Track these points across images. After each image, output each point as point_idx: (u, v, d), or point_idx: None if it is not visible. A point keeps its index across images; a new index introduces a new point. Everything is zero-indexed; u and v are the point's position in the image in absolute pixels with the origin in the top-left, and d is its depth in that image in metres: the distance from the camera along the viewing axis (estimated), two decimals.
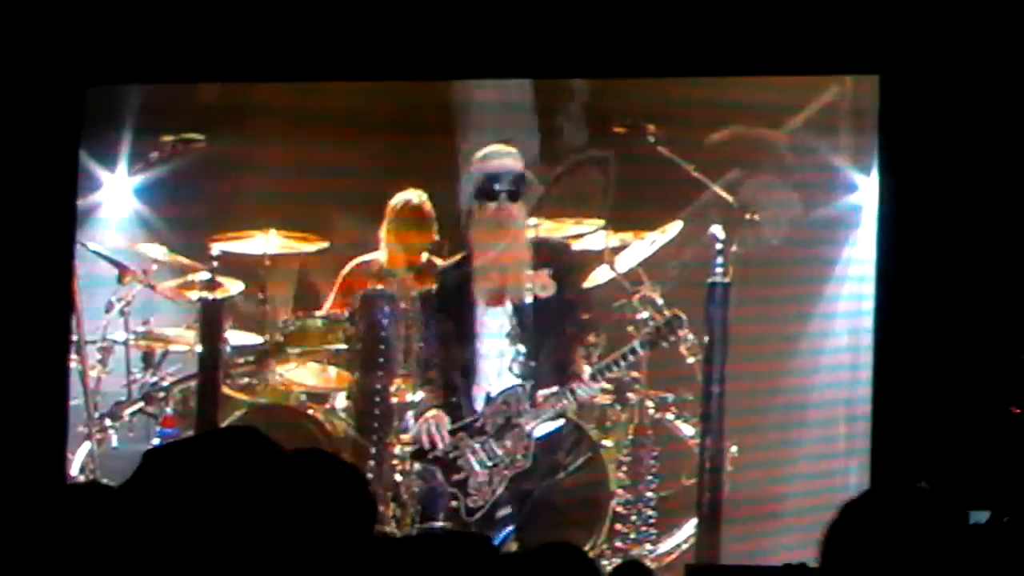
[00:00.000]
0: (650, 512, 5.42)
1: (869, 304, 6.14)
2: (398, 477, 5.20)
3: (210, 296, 5.05)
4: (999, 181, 6.02)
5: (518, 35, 5.95)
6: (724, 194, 6.01)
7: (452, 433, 5.23)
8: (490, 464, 5.20)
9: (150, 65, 6.23)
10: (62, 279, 6.00)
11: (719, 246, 5.69)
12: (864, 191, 6.21)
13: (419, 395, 5.46)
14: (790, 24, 5.99)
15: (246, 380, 5.19)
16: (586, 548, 5.25)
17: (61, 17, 6.15)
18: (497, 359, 5.53)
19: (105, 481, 4.16)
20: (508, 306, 5.57)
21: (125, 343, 5.35)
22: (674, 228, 5.69)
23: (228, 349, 5.14)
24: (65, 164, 6.14)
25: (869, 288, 6.13)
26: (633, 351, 5.28)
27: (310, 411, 5.15)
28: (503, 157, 5.65)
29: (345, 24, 6.07)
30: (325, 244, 5.49)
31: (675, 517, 5.48)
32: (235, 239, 5.51)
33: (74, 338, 5.72)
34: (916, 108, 6.01)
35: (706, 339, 5.63)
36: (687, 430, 5.48)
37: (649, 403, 5.47)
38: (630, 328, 5.51)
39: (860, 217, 6.22)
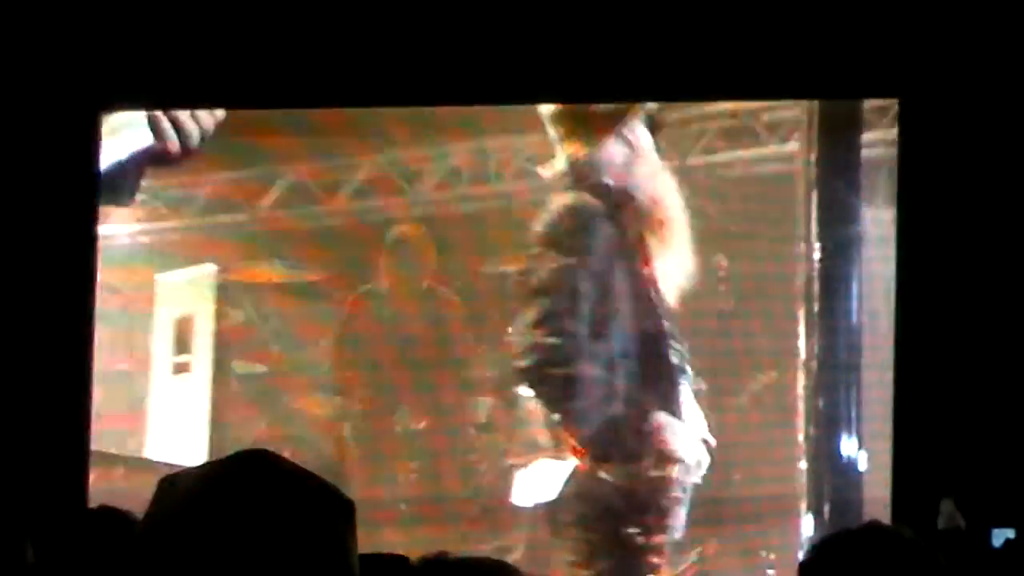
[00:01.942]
0: None
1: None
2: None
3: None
4: (1017, 201, 6.08)
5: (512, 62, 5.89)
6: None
7: None
8: None
9: (163, 89, 6.23)
10: (81, 302, 5.94)
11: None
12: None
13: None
14: (810, 48, 6.02)
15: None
16: None
17: (74, 41, 6.23)
18: None
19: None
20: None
21: None
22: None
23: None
24: (82, 189, 6.13)
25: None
26: None
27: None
28: None
29: (355, 49, 6.09)
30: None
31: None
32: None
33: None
34: (935, 131, 6.04)
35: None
36: None
37: None
38: None
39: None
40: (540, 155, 5.64)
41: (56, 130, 6.16)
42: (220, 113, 5.58)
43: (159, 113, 5.96)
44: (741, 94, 6.16)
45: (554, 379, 5.50)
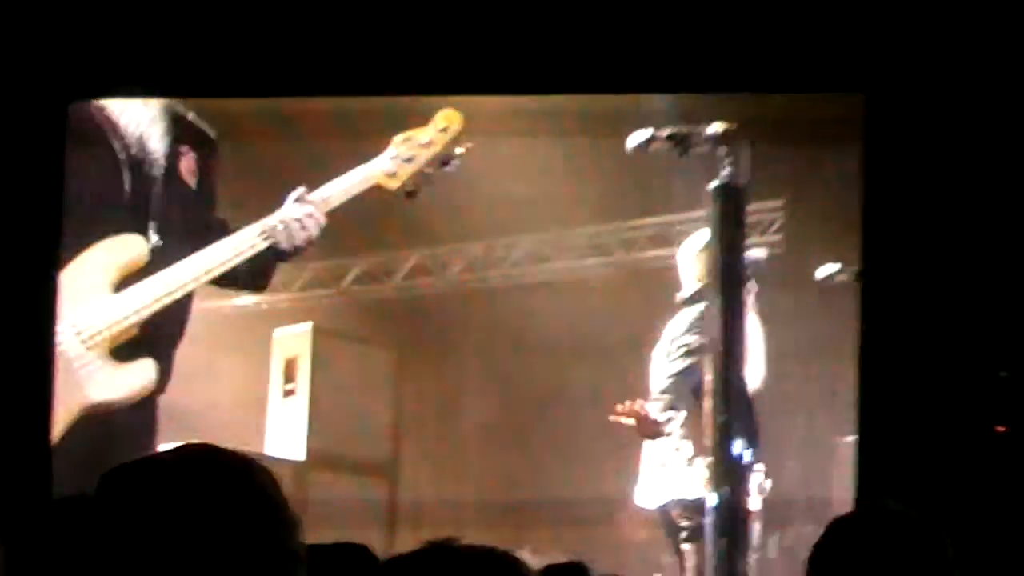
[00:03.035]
0: None
1: None
2: None
3: None
4: (981, 198, 5.97)
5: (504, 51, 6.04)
6: None
7: None
8: None
9: (132, 80, 6.26)
10: (46, 296, 6.09)
11: None
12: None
13: None
14: (776, 41, 6.02)
15: None
16: None
17: (43, 32, 6.11)
18: None
19: None
20: None
21: None
22: None
23: None
24: (49, 180, 6.15)
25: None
26: None
27: None
28: None
29: (324, 37, 6.12)
30: None
31: None
32: None
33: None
34: (900, 125, 6.00)
35: None
36: None
37: None
38: None
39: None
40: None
41: (24, 122, 6.07)
42: (323, 221, 6.43)
43: (288, 224, 6.44)
44: (706, 87, 6.14)
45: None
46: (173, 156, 6.63)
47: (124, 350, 6.42)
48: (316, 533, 5.05)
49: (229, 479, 1.42)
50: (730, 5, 6.04)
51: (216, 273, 6.40)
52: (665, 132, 5.90)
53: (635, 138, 5.92)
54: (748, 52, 5.94)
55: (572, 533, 6.43)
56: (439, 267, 6.73)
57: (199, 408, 6.24)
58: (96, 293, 6.41)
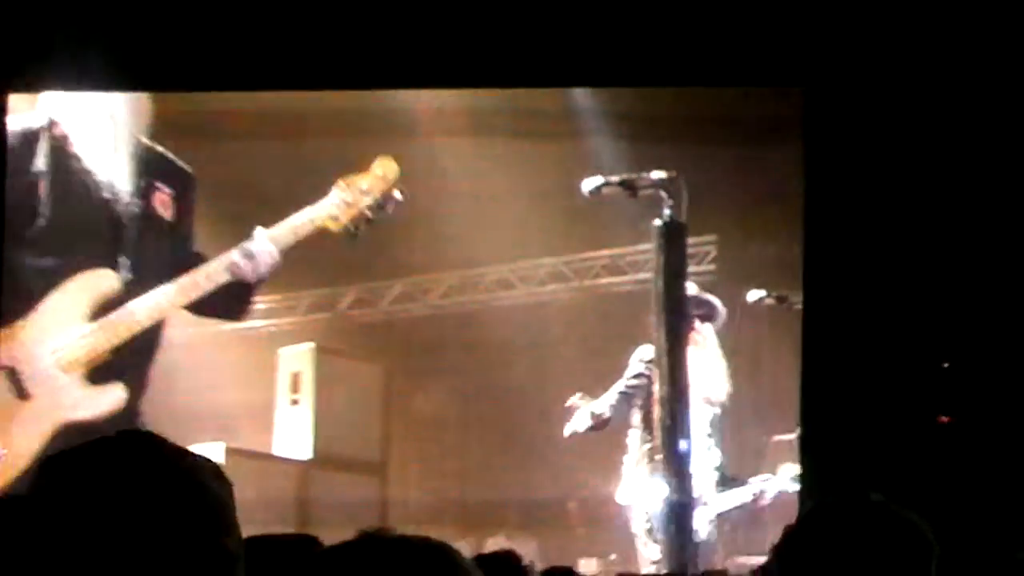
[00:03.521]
0: None
1: None
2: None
3: None
4: (921, 191, 5.94)
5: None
6: None
7: None
8: None
9: (72, 72, 6.11)
10: None
11: None
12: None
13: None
14: (717, 37, 6.05)
15: None
16: None
17: None
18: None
19: None
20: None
21: None
22: None
23: None
24: None
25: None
26: None
27: None
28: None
29: (265, 31, 6.07)
30: None
31: None
32: None
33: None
34: (839, 119, 6.01)
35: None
36: None
37: None
38: None
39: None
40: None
41: None
42: (277, 258, 6.77)
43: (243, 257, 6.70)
44: (649, 81, 6.28)
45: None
46: (147, 192, 6.89)
47: (99, 373, 6.78)
48: (319, 524, 5.72)
49: (159, 470, 1.39)
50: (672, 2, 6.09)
51: (182, 303, 6.76)
52: (616, 178, 6.63)
53: (589, 183, 6.59)
54: (690, 48, 6.01)
55: (540, 524, 7.00)
56: (421, 293, 7.39)
57: (215, 415, 6.88)
58: (73, 322, 6.77)
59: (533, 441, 7.14)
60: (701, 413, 6.80)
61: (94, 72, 6.07)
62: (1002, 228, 5.93)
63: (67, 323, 6.82)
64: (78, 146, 6.82)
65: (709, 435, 6.83)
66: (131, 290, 6.79)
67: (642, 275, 6.95)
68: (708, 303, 6.90)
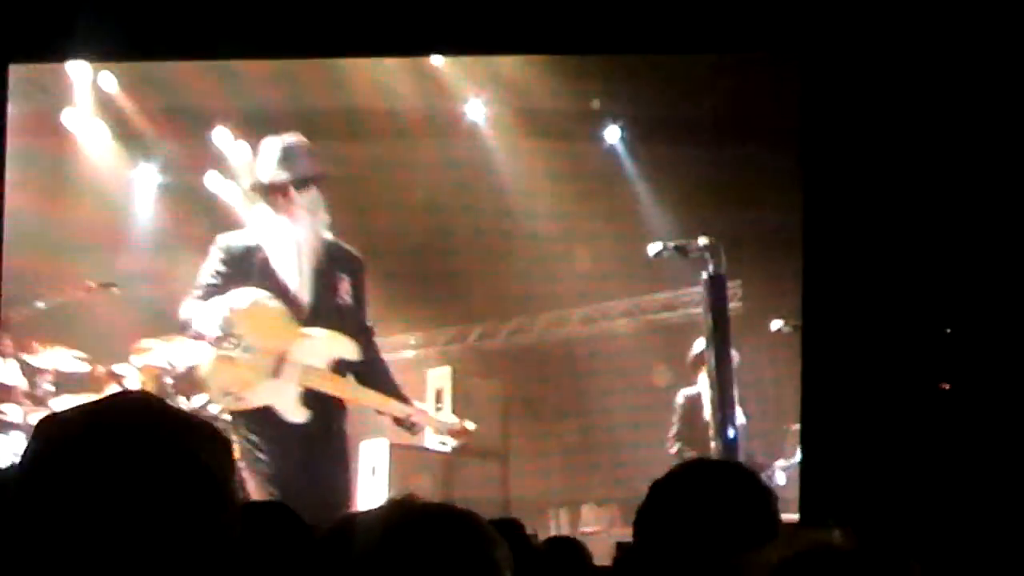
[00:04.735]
0: None
1: None
2: None
3: None
4: (919, 160, 5.61)
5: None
6: None
7: None
8: None
9: (73, 42, 5.90)
10: None
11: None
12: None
13: None
14: (713, 5, 5.86)
15: None
16: None
17: None
18: None
19: None
20: None
21: None
22: None
23: None
24: None
25: None
26: None
27: None
28: None
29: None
30: None
31: None
32: None
33: None
34: (836, 90, 5.68)
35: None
36: None
37: None
38: None
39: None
40: None
41: None
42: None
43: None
44: (648, 48, 6.27)
45: None
46: (332, 281, 7.76)
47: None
48: (459, 492, 7.43)
49: (154, 433, 1.34)
50: None
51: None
52: (672, 244, 7.75)
53: (652, 248, 7.76)
54: (684, 15, 5.87)
55: (618, 502, 8.16)
56: (529, 328, 8.96)
57: (383, 419, 8.12)
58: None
59: (613, 437, 8.59)
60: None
61: (95, 42, 5.96)
62: (1003, 195, 5.67)
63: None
64: (275, 261, 7.78)
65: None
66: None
67: (691, 311, 8.23)
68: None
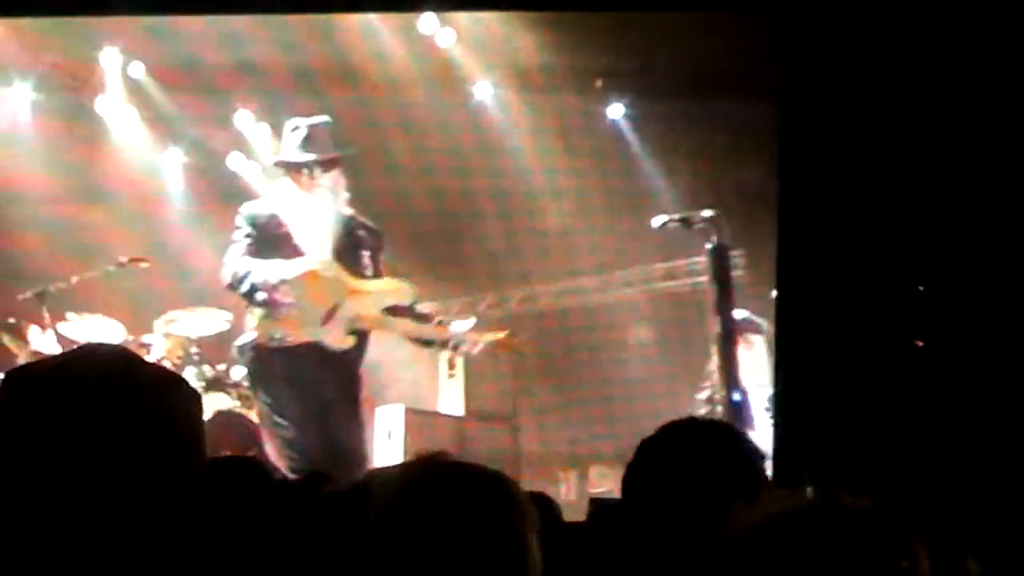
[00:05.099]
0: None
1: None
2: None
3: None
4: (897, 114, 5.54)
5: None
6: None
7: None
8: None
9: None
10: None
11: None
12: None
13: None
14: None
15: None
16: None
17: None
18: None
19: None
20: None
21: None
22: None
23: None
24: None
25: None
26: None
27: None
28: None
29: None
30: None
31: None
32: None
33: None
34: (811, 47, 5.60)
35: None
36: None
37: None
38: None
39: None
40: None
41: None
42: None
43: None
44: (626, 4, 6.29)
45: None
46: (355, 253, 8.11)
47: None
48: (472, 459, 7.81)
49: (123, 382, 1.33)
50: None
51: None
52: (677, 216, 7.99)
53: (657, 220, 8.01)
54: None
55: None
56: (536, 297, 9.22)
57: (399, 384, 8.75)
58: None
59: (621, 403, 8.79)
60: (757, 394, 7.74)
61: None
62: (978, 151, 5.58)
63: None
64: (297, 235, 8.15)
65: (766, 408, 7.62)
66: None
67: (696, 280, 8.55)
68: (756, 322, 8.05)
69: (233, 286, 8.24)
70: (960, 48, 5.50)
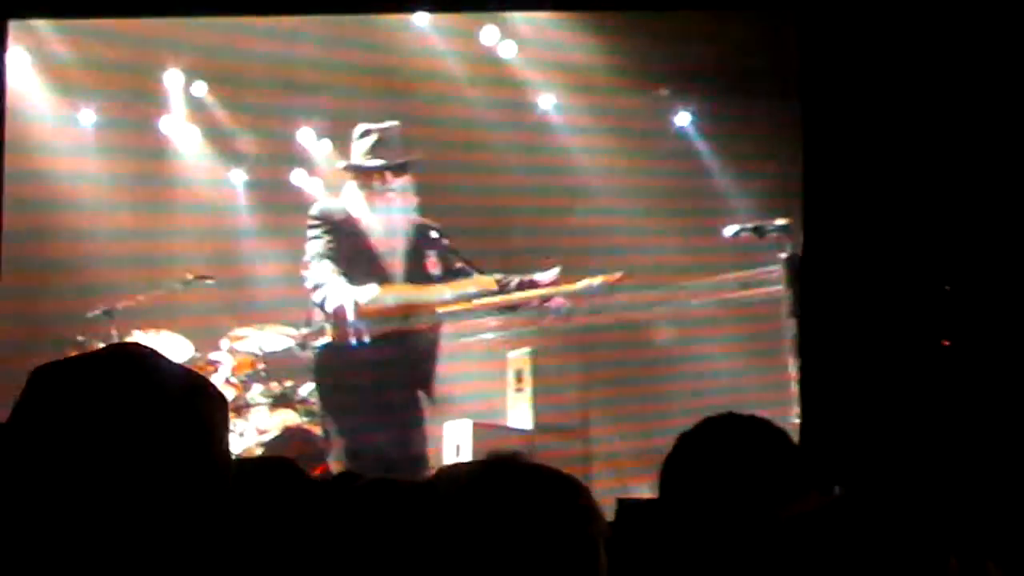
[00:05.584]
0: None
1: None
2: None
3: None
4: (922, 114, 5.51)
5: None
6: None
7: None
8: None
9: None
10: None
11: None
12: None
13: None
14: None
15: None
16: None
17: None
18: None
19: None
20: None
21: None
22: None
23: None
24: None
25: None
26: None
27: None
28: None
29: None
30: None
31: None
32: None
33: None
34: (833, 49, 5.58)
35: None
36: None
37: None
38: None
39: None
40: None
41: None
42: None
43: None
44: (657, 4, 6.29)
45: None
46: (423, 258, 8.23)
47: None
48: None
49: (147, 382, 1.33)
50: None
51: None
52: (750, 225, 7.87)
53: (730, 229, 7.92)
54: None
55: None
56: (606, 307, 8.99)
57: (465, 400, 8.67)
58: None
59: (695, 416, 8.95)
60: None
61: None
62: (1004, 151, 5.55)
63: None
64: (370, 236, 8.20)
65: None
66: None
67: (770, 289, 8.25)
68: None
69: (312, 295, 8.25)
70: (989, 43, 5.45)
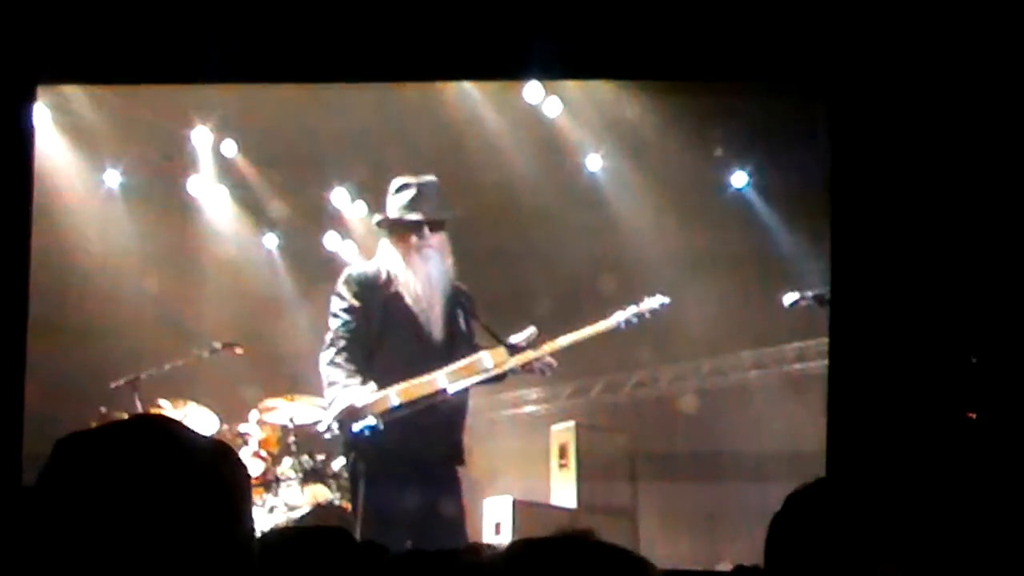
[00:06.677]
0: None
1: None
2: None
3: None
4: (946, 187, 5.55)
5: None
6: None
7: None
8: None
9: (101, 65, 5.61)
10: (17, 283, 5.57)
11: None
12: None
13: None
14: (743, 34, 5.78)
15: None
16: None
17: (11, 15, 5.48)
18: None
19: None
20: None
21: None
22: None
23: None
24: (18, 163, 5.54)
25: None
26: None
27: None
28: None
29: (296, 21, 5.72)
30: None
31: None
32: None
33: None
34: (861, 127, 5.63)
35: None
36: None
37: None
38: None
39: None
40: None
41: None
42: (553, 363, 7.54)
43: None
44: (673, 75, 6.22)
45: None
46: (455, 319, 7.86)
47: None
48: None
49: (171, 454, 1.34)
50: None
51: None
52: (810, 294, 7.58)
53: (789, 298, 7.73)
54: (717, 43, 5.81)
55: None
56: (653, 381, 8.89)
57: (503, 475, 8.47)
58: None
59: (748, 496, 8.10)
60: None
61: (121, 64, 5.83)
62: None
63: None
64: (408, 295, 7.84)
65: None
66: None
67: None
68: None
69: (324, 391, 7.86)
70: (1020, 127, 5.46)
